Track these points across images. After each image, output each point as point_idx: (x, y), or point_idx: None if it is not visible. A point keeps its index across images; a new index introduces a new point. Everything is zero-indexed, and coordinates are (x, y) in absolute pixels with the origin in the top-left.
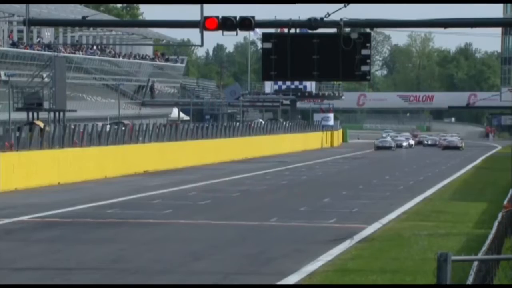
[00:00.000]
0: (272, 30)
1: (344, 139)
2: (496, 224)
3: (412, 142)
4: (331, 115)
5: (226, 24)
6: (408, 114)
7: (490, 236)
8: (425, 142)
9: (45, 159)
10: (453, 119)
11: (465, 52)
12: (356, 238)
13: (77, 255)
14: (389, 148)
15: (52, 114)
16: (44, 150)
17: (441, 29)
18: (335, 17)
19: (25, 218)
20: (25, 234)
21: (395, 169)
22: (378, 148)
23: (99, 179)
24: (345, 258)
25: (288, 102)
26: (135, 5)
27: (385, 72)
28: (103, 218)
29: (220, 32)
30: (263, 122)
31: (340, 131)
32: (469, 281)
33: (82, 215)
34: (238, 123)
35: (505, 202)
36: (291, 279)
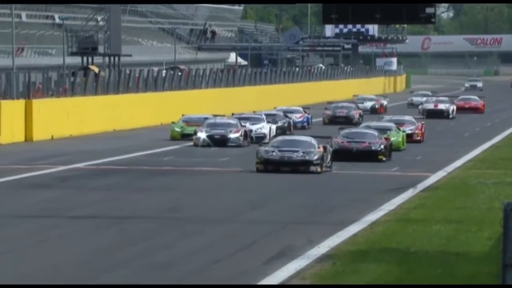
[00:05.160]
0: None
1: (408, 84)
2: None
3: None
4: (394, 59)
5: None
6: (475, 58)
7: None
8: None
9: (100, 105)
10: None
11: None
12: (419, 187)
13: (133, 204)
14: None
15: (107, 58)
16: (99, 95)
17: None
18: None
19: (80, 165)
20: (81, 182)
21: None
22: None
23: (155, 125)
24: (408, 208)
25: (349, 46)
26: None
27: (451, 14)
28: (159, 165)
29: None
30: (323, 67)
31: (404, 76)
32: None
33: (138, 162)
34: (297, 68)
35: None
36: (352, 229)
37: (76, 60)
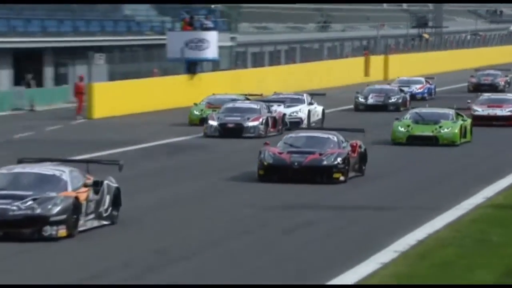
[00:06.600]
0: None
1: None
2: None
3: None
4: None
5: None
6: None
7: None
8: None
9: (422, 60)
10: None
11: None
12: None
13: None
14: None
15: (433, 30)
16: (427, 52)
17: None
18: None
19: None
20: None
21: None
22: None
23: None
24: None
25: None
26: None
27: None
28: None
29: None
30: None
31: None
32: None
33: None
34: None
35: None
36: None
37: (414, 31)
